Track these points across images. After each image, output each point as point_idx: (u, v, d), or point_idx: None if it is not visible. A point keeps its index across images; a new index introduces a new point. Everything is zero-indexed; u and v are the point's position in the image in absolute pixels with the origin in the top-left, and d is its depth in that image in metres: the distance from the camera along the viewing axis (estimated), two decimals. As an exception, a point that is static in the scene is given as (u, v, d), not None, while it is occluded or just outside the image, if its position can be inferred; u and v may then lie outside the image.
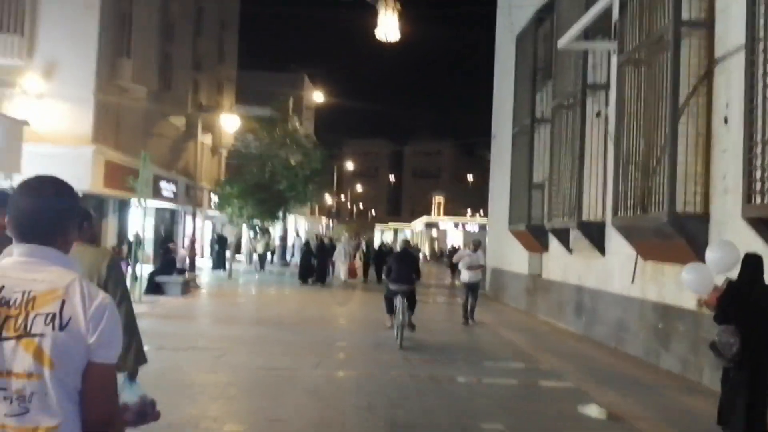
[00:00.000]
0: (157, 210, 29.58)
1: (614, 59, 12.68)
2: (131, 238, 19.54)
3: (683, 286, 6.71)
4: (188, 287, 18.70)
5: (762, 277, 5.77)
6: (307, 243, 27.01)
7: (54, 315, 1.76)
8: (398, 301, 11.77)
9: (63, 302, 1.78)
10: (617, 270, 12.21)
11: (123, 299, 3.75)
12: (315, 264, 24.66)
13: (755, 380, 5.51)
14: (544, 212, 16.39)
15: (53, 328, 1.76)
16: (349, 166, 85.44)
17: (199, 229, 35.02)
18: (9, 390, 1.75)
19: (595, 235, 12.96)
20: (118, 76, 22.25)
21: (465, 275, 14.64)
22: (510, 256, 19.81)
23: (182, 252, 19.19)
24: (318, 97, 36.95)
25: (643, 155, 10.54)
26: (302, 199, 30.73)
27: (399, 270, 12.15)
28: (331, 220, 75.57)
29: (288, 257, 37.22)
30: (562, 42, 12.77)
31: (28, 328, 1.75)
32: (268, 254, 37.20)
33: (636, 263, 11.32)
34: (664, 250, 9.99)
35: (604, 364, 10.55)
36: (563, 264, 15.16)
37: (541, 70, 16.80)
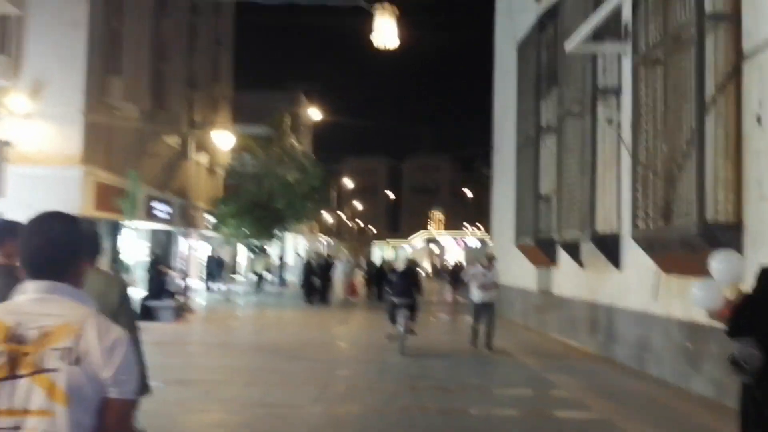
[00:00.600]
0: (153, 232, 28.72)
1: (625, 61, 11.90)
2: (123, 261, 18.63)
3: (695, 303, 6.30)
4: (181, 312, 17.78)
5: None
6: (308, 262, 26.17)
7: (69, 349, 1.74)
8: (400, 314, 12.52)
9: (78, 337, 1.76)
10: (635, 285, 11.33)
11: (132, 330, 3.56)
12: (317, 283, 24.13)
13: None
14: (553, 225, 15.54)
15: (68, 363, 1.73)
16: (348, 183, 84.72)
17: (195, 251, 34.13)
18: (23, 429, 1.71)
19: (610, 248, 12.10)
20: (107, 94, 21.45)
21: (476, 295, 12.93)
22: (516, 271, 18.92)
23: (174, 275, 18.28)
24: (315, 114, 36.21)
25: (664, 161, 9.72)
26: (300, 217, 29.89)
27: (401, 285, 13.05)
28: (330, 239, 74.69)
29: (287, 277, 36.25)
30: (570, 45, 11.99)
31: (43, 364, 1.73)
32: (268, 275, 36.36)
33: (659, 278, 10.44)
34: (692, 263, 9.10)
35: (627, 388, 9.64)
36: (574, 279, 14.28)
37: (545, 77, 16.02)
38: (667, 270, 10.06)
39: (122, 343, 1.81)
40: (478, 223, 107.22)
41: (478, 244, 56.46)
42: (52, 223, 1.90)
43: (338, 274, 25.81)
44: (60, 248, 1.87)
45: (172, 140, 27.94)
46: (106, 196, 20.33)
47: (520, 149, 17.29)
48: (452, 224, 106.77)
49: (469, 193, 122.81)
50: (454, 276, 34.98)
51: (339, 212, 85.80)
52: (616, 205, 12.08)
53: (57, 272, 1.86)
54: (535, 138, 15.99)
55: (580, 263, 13.78)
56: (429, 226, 76.98)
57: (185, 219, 29.69)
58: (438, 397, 8.71)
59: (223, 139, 23.00)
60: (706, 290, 6.01)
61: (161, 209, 26.33)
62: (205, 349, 12.73)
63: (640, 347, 11.04)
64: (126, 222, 15.62)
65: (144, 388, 3.65)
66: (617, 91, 12.21)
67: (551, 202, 15.70)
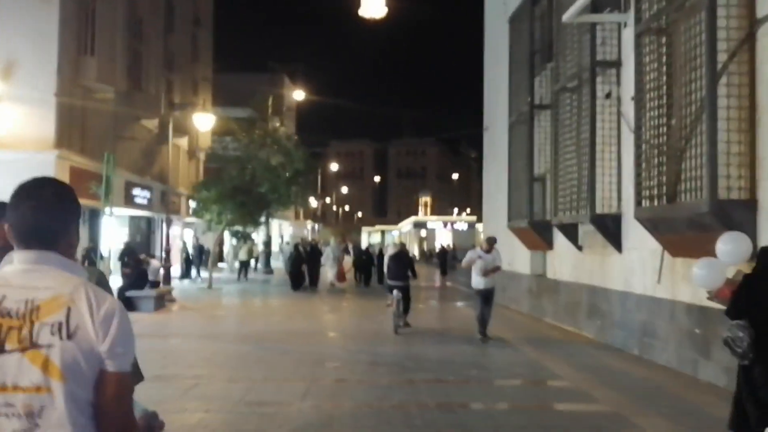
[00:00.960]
0: (132, 218, 28.01)
1: (626, 32, 11.39)
2: (96, 250, 17.96)
3: (696, 281, 6.30)
4: (162, 301, 17.19)
5: None
6: (296, 248, 25.60)
7: (60, 324, 1.67)
8: (396, 294, 13.30)
9: (69, 309, 1.69)
10: (638, 268, 10.89)
11: None
12: (305, 269, 23.82)
13: (766, 376, 5.16)
14: (548, 207, 15.07)
15: (61, 337, 1.67)
16: (334, 167, 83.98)
17: (177, 237, 33.42)
18: (16, 406, 1.66)
19: (611, 230, 11.64)
20: (81, 75, 20.69)
21: (478, 281, 12.17)
22: (509, 255, 18.44)
23: (155, 263, 17.65)
24: (298, 95, 35.45)
25: (671, 136, 9.23)
26: (285, 202, 29.23)
27: (396, 269, 13.89)
28: (316, 224, 74.04)
29: (272, 264, 35.63)
30: (568, 15, 11.44)
31: (34, 340, 1.67)
32: (252, 261, 35.74)
33: (662, 260, 9.99)
34: (701, 243, 8.61)
35: (633, 377, 9.20)
36: (572, 262, 13.83)
37: (539, 52, 15.48)
38: (674, 251, 9.61)
39: (116, 313, 1.73)
40: (466, 207, 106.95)
41: (466, 228, 56.12)
42: (42, 188, 1.80)
43: (327, 260, 25.23)
44: (51, 215, 1.77)
45: (151, 123, 27.19)
46: (81, 182, 19.60)
47: (513, 128, 16.76)
48: (439, 208, 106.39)
49: (456, 177, 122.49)
50: (443, 260, 34.72)
51: (325, 197, 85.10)
52: (617, 185, 11.62)
53: (47, 241, 1.76)
54: (528, 116, 15.46)
55: (578, 246, 13.33)
56: (419, 209, 76.46)
57: (166, 205, 28.98)
58: (435, 390, 8.22)
59: (204, 120, 22.26)
60: (708, 269, 5.94)
61: (140, 195, 25.63)
62: (186, 341, 12.16)
63: (644, 333, 10.61)
64: (103, 208, 14.92)
65: (137, 375, 3.51)
66: (617, 64, 11.71)
67: (546, 183, 15.22)
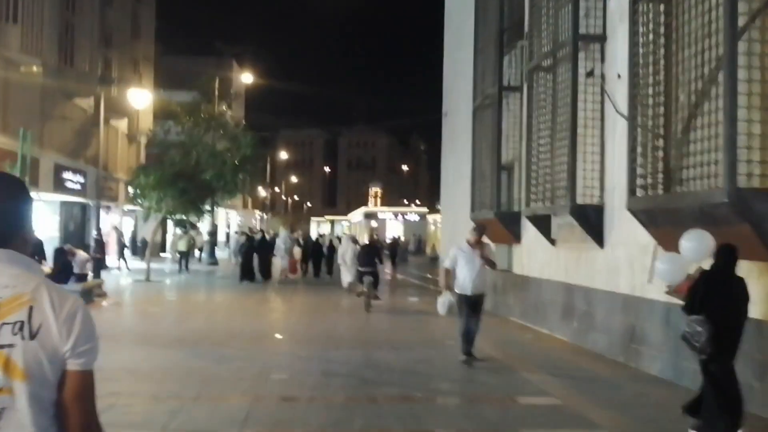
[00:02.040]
0: (64, 205, 25.70)
1: (613, 3, 10.14)
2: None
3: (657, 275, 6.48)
4: (90, 296, 15.29)
5: (735, 268, 5.61)
6: (248, 238, 24.10)
7: (22, 323, 1.62)
8: (366, 280, 15.27)
9: (31, 308, 1.63)
10: (624, 265, 9.66)
11: None
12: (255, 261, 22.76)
13: (725, 371, 5.37)
14: (516, 197, 13.81)
15: (23, 337, 1.61)
16: (283, 156, 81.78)
17: (114, 226, 31.18)
18: None
19: (592, 222, 10.40)
20: (2, 44, 18.46)
21: (465, 284, 9.26)
22: (470, 248, 17.19)
23: (82, 255, 15.70)
24: (246, 78, 33.45)
25: (672, 118, 7.99)
26: (231, 190, 27.34)
27: (365, 257, 15.92)
28: (265, 213, 71.88)
29: (217, 255, 33.64)
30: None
31: None
32: (197, 252, 33.71)
33: (655, 257, 8.77)
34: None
35: (629, 391, 7.95)
36: (543, 257, 12.58)
37: (508, 29, 14.15)
38: (671, 247, 8.38)
39: (79, 311, 1.68)
40: (415, 199, 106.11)
41: (418, 219, 54.99)
42: None
43: (278, 251, 23.72)
44: (4, 212, 1.69)
45: (85, 103, 24.92)
46: (1, 162, 17.46)
47: (477, 112, 15.43)
48: (389, 200, 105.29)
49: (406, 168, 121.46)
50: (393, 251, 33.10)
51: (274, 186, 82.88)
52: (600, 172, 10.37)
53: (2, 238, 1.69)
54: (496, 98, 14.13)
55: (550, 240, 12.07)
56: (369, 200, 75.08)
57: (101, 191, 26.78)
58: (401, 410, 6.77)
59: (139, 97, 20.22)
60: (670, 264, 5.99)
61: (72, 179, 23.42)
62: (109, 345, 10.34)
63: (631, 338, 9.40)
64: (32, 193, 12.93)
65: None
66: (602, 39, 10.45)
67: (514, 171, 13.96)
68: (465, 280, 9.33)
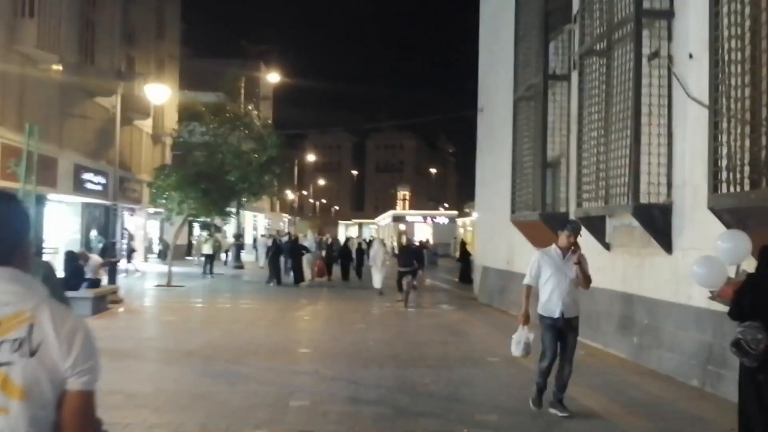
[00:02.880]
0: (86, 207, 24.87)
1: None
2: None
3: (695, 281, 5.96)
4: (104, 303, 14.29)
5: None
6: (274, 241, 23.66)
7: (22, 340, 1.58)
8: (406, 279, 16.66)
9: (31, 326, 1.60)
10: (697, 274, 8.26)
11: None
12: (286, 264, 22.81)
13: None
14: (564, 196, 12.46)
15: (22, 354, 1.58)
16: (311, 159, 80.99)
17: (139, 228, 30.41)
18: None
19: (658, 225, 9.03)
20: (18, 39, 17.62)
21: (551, 304, 6.85)
22: (508, 252, 15.85)
23: (95, 259, 14.72)
24: (273, 78, 32.47)
25: (764, 101, 6.62)
26: (256, 191, 26.35)
27: (406, 258, 17.32)
28: (293, 217, 71.12)
29: (244, 258, 32.63)
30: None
31: None
32: (222, 255, 32.80)
33: (740, 265, 7.38)
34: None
35: (714, 424, 6.57)
36: (595, 263, 11.14)
37: (554, 12, 12.80)
38: (763, 254, 7.00)
39: (80, 329, 1.64)
40: (443, 202, 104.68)
41: (447, 222, 53.62)
42: None
43: (307, 254, 23.23)
44: (4, 229, 1.68)
45: (108, 102, 24.04)
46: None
47: (519, 104, 14.08)
48: (417, 202, 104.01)
49: (434, 171, 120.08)
50: (421, 255, 31.55)
51: (302, 189, 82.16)
52: (667, 167, 8.99)
53: (2, 256, 1.66)
54: (541, 88, 12.79)
55: (605, 244, 10.70)
56: (396, 203, 73.93)
57: (124, 193, 25.94)
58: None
59: (158, 93, 19.21)
60: (708, 268, 5.64)
61: (93, 180, 22.55)
62: (112, 360, 9.24)
63: (708, 359, 8.00)
64: (22, 189, 11.93)
65: None
66: (669, 15, 9.07)
67: (560, 168, 12.60)
68: (552, 297, 6.80)
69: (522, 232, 13.86)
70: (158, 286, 20.17)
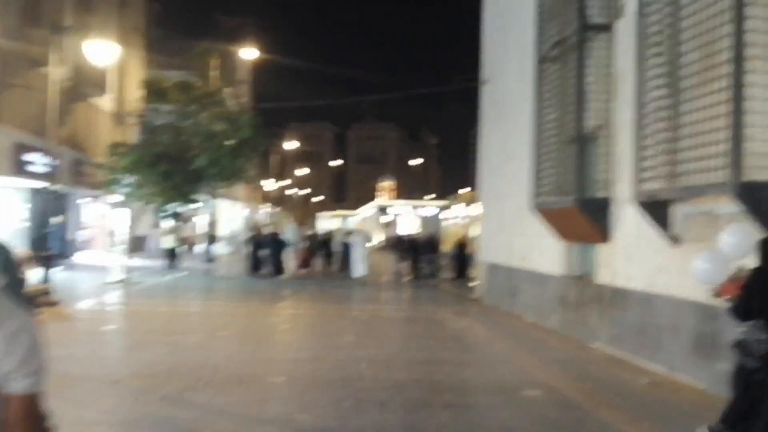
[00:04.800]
0: (37, 192, 21.81)
1: None
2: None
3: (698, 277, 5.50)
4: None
5: None
6: (255, 235, 22.73)
7: None
8: (425, 262, 21.28)
9: None
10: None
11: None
12: (263, 256, 21.87)
13: None
14: (601, 178, 9.90)
15: None
16: (292, 151, 77.90)
17: (102, 217, 27.43)
18: None
19: (764, 210, 6.50)
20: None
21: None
22: (524, 246, 13.30)
23: (22, 252, 11.93)
24: (250, 53, 29.53)
25: None
26: (228, 177, 23.53)
27: (424, 247, 21.98)
28: (272, 207, 68.24)
29: (215, 251, 29.68)
30: None
31: None
32: (189, 248, 29.95)
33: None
34: None
35: None
36: (654, 261, 8.62)
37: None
38: None
39: (25, 330, 1.58)
40: (424, 195, 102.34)
41: (435, 213, 51.09)
42: None
43: (288, 247, 22.35)
44: None
45: (58, 73, 21.01)
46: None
47: (543, 67, 11.46)
48: (400, 194, 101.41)
49: (416, 163, 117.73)
50: (410, 247, 28.77)
51: (282, 179, 79.25)
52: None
53: None
54: (575, 42, 10.19)
55: (671, 236, 8.15)
56: (378, 195, 71.40)
57: (79, 177, 22.99)
58: None
59: (98, 51, 16.20)
60: (711, 263, 5.38)
61: (39, 162, 19.60)
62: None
63: None
64: None
65: None
66: None
67: (599, 142, 10.04)
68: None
69: (547, 223, 11.29)
70: (111, 283, 17.33)
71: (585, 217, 9.78)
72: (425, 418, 6.10)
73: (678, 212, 8.03)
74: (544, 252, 12.20)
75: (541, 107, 11.45)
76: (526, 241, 13.13)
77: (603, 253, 10.06)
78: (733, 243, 5.33)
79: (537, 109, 11.56)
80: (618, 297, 9.49)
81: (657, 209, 8.16)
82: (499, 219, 14.85)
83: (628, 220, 9.13)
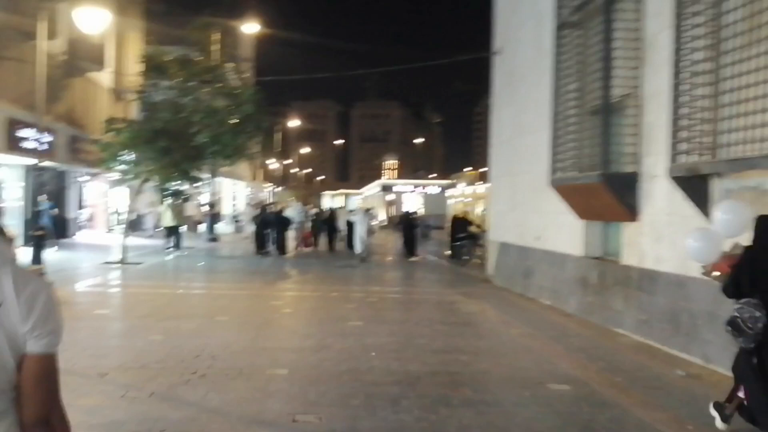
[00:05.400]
0: (32, 170, 21.11)
1: None
2: None
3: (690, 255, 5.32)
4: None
5: None
6: (261, 212, 22.34)
7: None
8: (464, 244, 20.11)
9: None
10: None
11: None
12: (268, 234, 21.71)
13: None
14: (627, 151, 9.12)
15: None
16: (295, 129, 76.93)
17: (102, 196, 26.82)
18: None
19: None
20: None
21: None
22: (539, 225, 12.55)
23: (9, 232, 11.25)
24: (251, 27, 28.56)
25: None
26: (230, 154, 22.71)
27: (456, 228, 20.92)
28: (275, 186, 67.49)
29: (218, 230, 29.04)
30: None
31: None
32: (184, 228, 29.22)
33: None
34: None
35: None
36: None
37: None
38: None
39: (42, 292, 1.61)
40: (428, 174, 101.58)
41: (439, 192, 50.34)
42: None
43: (293, 225, 22.72)
44: None
45: (52, 45, 20.21)
46: None
47: (563, 33, 10.60)
48: (403, 173, 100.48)
49: (419, 142, 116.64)
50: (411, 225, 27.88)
51: (285, 158, 78.41)
52: None
53: None
54: (599, 5, 9.34)
55: (707, 214, 7.38)
56: (382, 174, 70.59)
57: (77, 154, 22.23)
58: None
59: (92, 19, 15.35)
60: (704, 241, 5.18)
61: (32, 138, 18.84)
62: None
63: None
64: None
65: None
66: None
67: (628, 111, 9.23)
68: None
69: (566, 200, 10.52)
70: (109, 263, 16.66)
71: (610, 194, 9.01)
72: (444, 418, 5.40)
73: (717, 187, 7.26)
74: (561, 231, 11.45)
75: (561, 77, 10.61)
76: (540, 219, 12.37)
77: (629, 232, 9.30)
78: (726, 220, 5.10)
79: (556, 79, 10.72)
80: (646, 280, 8.75)
81: (694, 185, 7.39)
82: (511, 196, 14.08)
83: (659, 197, 8.37)
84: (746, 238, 4.91)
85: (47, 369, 1.59)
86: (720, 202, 5.46)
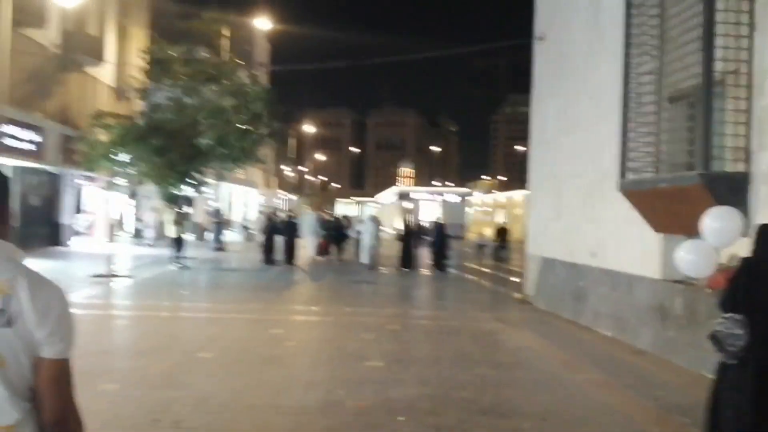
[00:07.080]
0: (25, 171, 19.16)
1: None
2: None
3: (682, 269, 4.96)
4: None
5: None
6: (269, 219, 20.64)
7: (1, 311, 1.54)
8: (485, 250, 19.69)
9: (9, 297, 1.54)
10: None
11: None
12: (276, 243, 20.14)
13: (763, 381, 3.81)
14: (732, 145, 6.89)
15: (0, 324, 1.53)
16: (311, 137, 75.07)
17: (102, 201, 24.76)
18: None
19: None
20: None
21: None
22: (595, 238, 10.31)
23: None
24: (263, 23, 26.56)
25: None
26: (237, 157, 20.69)
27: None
28: (290, 194, 65.62)
29: (225, 239, 26.92)
30: None
31: None
32: (190, 237, 27.26)
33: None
34: None
35: None
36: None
37: None
38: None
39: (56, 299, 1.61)
40: (444, 182, 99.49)
41: (459, 201, 48.15)
42: None
43: (306, 232, 21.35)
44: None
45: (46, 37, 18.33)
46: None
47: (636, 8, 8.39)
48: (419, 181, 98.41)
49: (435, 150, 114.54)
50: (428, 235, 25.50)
51: (300, 165, 76.66)
52: None
53: None
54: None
55: None
56: (398, 182, 68.58)
57: (70, 155, 20.26)
58: None
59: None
60: (695, 254, 4.83)
61: (20, 137, 16.89)
62: None
63: None
64: None
65: None
66: None
67: (728, 95, 7.01)
68: None
69: (639, 208, 8.29)
70: (96, 276, 14.59)
71: (712, 200, 6.77)
72: None
73: None
74: (626, 246, 9.21)
75: (631, 59, 8.40)
76: (597, 230, 10.15)
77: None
78: (716, 229, 4.73)
79: (625, 61, 8.50)
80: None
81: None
82: (556, 203, 11.86)
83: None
84: (744, 249, 4.19)
85: (61, 373, 1.57)
86: (711, 210, 4.79)
